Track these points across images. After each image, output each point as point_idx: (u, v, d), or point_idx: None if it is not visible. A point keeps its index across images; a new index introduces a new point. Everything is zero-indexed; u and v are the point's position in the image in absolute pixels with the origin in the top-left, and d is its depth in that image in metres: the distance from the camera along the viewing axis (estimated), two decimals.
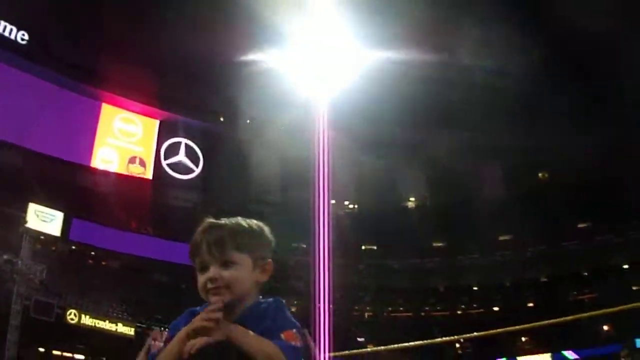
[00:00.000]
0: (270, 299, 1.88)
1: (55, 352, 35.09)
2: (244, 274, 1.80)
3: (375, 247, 50.23)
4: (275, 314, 1.80)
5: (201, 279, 1.78)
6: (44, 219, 33.75)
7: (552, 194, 42.40)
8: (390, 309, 50.33)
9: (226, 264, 1.76)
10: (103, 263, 44.31)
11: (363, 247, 50.51)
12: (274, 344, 1.68)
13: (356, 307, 50.62)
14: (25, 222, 28.81)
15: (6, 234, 31.41)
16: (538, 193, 44.42)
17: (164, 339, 1.77)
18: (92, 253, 43.30)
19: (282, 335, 1.71)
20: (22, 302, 26.63)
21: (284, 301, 1.89)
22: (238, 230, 1.85)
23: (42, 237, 34.10)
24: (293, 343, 1.70)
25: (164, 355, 1.68)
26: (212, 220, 1.91)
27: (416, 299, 49.08)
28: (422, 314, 48.71)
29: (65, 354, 36.46)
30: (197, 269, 1.81)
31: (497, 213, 45.12)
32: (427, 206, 50.71)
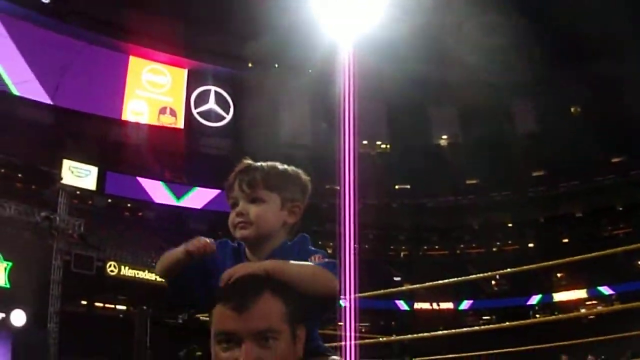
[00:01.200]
0: (296, 238, 1.90)
1: (97, 304, 36.01)
2: (271, 212, 1.82)
3: (408, 187, 50.16)
4: (301, 247, 1.83)
5: (231, 214, 1.82)
6: (78, 175, 34.14)
7: (585, 128, 41.62)
8: (425, 247, 50.62)
9: (254, 200, 1.80)
10: (139, 214, 45.04)
11: (396, 187, 50.51)
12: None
13: (391, 247, 50.99)
14: (61, 178, 29.16)
15: (43, 192, 31.98)
16: (571, 127, 43.59)
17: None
18: (128, 205, 44.00)
19: (311, 258, 1.74)
20: (62, 257, 27.09)
21: (308, 236, 1.90)
22: (270, 171, 1.89)
23: (78, 193, 34.60)
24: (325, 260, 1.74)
25: (170, 252, 1.85)
26: (248, 161, 1.95)
27: (451, 237, 49.25)
28: (457, 252, 48.95)
29: (107, 305, 37.39)
30: (230, 207, 1.84)
31: (530, 149, 44.72)
32: (460, 144, 50.29)
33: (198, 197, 44.15)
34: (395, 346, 10.44)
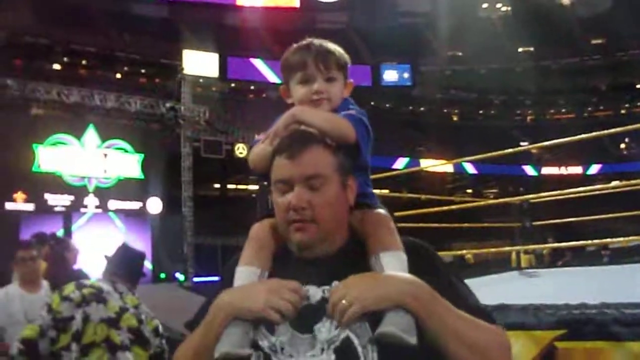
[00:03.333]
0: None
1: (229, 186, 37.61)
2: (339, 90, 1.89)
3: (532, 49, 48.08)
4: (345, 105, 1.88)
5: (303, 90, 1.86)
6: (200, 63, 34.84)
7: None
8: (552, 111, 48.97)
9: (329, 79, 1.86)
10: (263, 95, 45.78)
11: (519, 50, 48.56)
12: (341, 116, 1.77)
13: (517, 112, 49.71)
14: (182, 68, 29.92)
15: (166, 84, 33.07)
16: None
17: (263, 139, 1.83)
18: (252, 87, 44.76)
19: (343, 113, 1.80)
20: (191, 144, 28.21)
21: (350, 98, 1.94)
22: (335, 50, 1.92)
23: (200, 81, 35.46)
24: (353, 113, 1.80)
25: (261, 151, 1.77)
26: (310, 39, 1.96)
27: (578, 100, 47.26)
28: (585, 114, 47.06)
29: (239, 186, 38.98)
30: (295, 83, 1.89)
31: None
32: (581, 2, 47.22)
33: None
34: (515, 208, 10.35)
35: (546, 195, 9.01)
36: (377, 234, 1.67)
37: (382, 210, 1.76)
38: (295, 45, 1.94)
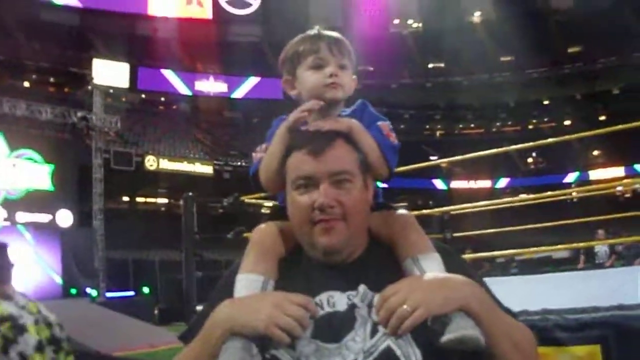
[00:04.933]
0: (355, 104, 1.87)
1: (138, 199, 36.92)
2: (350, 78, 1.82)
3: (442, 65, 49.45)
4: (364, 108, 1.80)
5: (316, 75, 1.77)
6: (110, 73, 34.15)
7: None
8: (461, 126, 50.45)
9: (342, 67, 1.79)
10: (174, 107, 45.34)
11: (430, 66, 49.83)
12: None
13: (427, 126, 50.94)
14: (92, 78, 29.26)
15: (76, 93, 32.22)
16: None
17: (263, 148, 1.74)
18: (162, 99, 44.24)
19: (379, 125, 1.72)
20: (101, 156, 27.58)
21: (366, 101, 1.87)
22: (345, 40, 1.85)
23: (111, 91, 34.75)
24: (391, 139, 1.71)
25: (268, 152, 1.68)
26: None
27: (486, 116, 48.92)
28: (493, 130, 48.72)
29: (148, 199, 38.31)
30: (305, 69, 1.79)
31: (567, 23, 43.46)
32: (493, 20, 48.93)
33: (232, 86, 44.40)
34: (434, 221, 10.54)
35: (468, 207, 9.26)
36: (408, 236, 1.59)
37: (405, 211, 1.70)
38: (299, 36, 1.86)
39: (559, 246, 11.56)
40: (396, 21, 50.20)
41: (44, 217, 25.04)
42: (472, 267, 1.67)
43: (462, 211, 9.66)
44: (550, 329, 3.27)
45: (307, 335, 1.41)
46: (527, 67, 46.73)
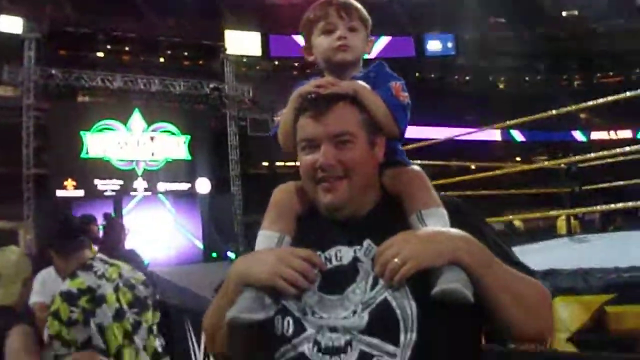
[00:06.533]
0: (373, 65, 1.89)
1: (278, 164, 37.66)
2: (361, 40, 1.84)
3: (575, 12, 47.20)
4: (379, 69, 1.81)
5: (326, 40, 1.80)
6: (242, 43, 34.87)
7: None
8: (599, 75, 47.94)
9: (352, 29, 1.81)
10: (307, 71, 45.70)
11: (564, 14, 47.58)
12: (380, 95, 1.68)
13: (564, 77, 48.76)
14: (225, 49, 30.02)
15: (210, 65, 33.20)
16: None
17: (284, 113, 1.76)
18: (295, 64, 44.73)
19: (391, 84, 1.72)
20: (236, 124, 28.36)
21: (384, 62, 1.87)
22: (357, 3, 1.86)
23: (244, 60, 35.53)
24: (401, 99, 1.71)
25: (283, 116, 1.73)
26: None
27: (625, 63, 46.25)
28: (633, 77, 46.06)
29: (288, 163, 39.02)
30: (317, 35, 1.83)
31: None
32: None
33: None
34: (563, 173, 10.08)
35: (594, 157, 8.59)
36: (415, 192, 1.60)
37: (416, 167, 1.69)
38: (315, 3, 1.87)
39: None
40: None
41: (183, 186, 26.29)
42: (486, 224, 1.66)
43: (591, 163, 9.17)
44: None
45: (314, 288, 1.49)
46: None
